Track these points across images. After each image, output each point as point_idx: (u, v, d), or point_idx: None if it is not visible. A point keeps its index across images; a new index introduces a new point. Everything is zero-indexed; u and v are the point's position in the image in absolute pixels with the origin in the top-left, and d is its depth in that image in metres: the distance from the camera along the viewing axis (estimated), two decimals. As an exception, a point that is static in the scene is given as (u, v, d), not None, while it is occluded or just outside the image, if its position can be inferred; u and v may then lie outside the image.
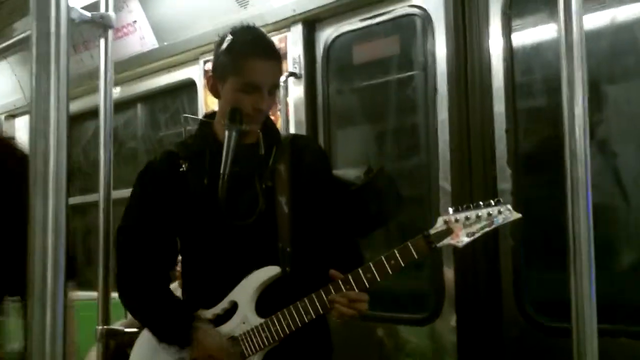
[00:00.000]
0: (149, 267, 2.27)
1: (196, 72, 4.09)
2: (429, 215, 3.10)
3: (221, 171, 2.14)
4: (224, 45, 2.25)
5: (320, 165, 2.38)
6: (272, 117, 3.20)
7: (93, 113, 3.46)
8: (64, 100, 1.06)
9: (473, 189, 2.92)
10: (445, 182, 3.01)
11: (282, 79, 3.43)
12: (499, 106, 2.86)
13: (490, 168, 2.88)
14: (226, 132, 2.17)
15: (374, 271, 2.11)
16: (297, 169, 2.30)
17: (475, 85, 2.90)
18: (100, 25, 2.74)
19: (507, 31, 2.86)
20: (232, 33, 2.27)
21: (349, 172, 2.48)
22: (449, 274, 2.96)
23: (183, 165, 2.27)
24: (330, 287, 2.13)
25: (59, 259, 1.03)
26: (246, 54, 2.20)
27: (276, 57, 2.28)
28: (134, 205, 2.32)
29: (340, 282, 2.12)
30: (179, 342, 2.20)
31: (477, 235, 2.10)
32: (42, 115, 1.04)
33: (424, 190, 3.17)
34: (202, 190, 2.22)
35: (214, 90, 2.30)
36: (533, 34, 2.87)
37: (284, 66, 3.46)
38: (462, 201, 2.81)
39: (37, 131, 1.04)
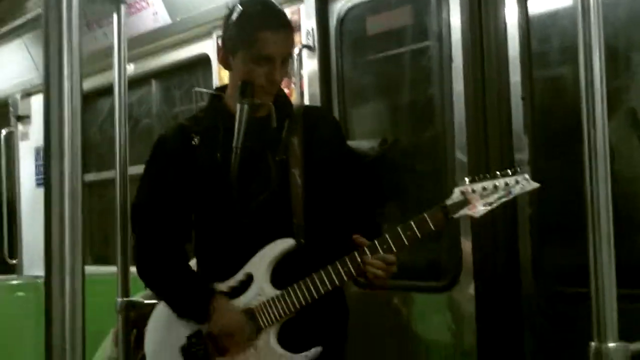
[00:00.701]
0: (166, 243, 2.29)
1: (210, 47, 4.07)
2: (445, 188, 3.09)
3: (233, 145, 2.13)
4: (234, 17, 2.24)
5: (334, 136, 2.38)
6: (287, 91, 3.20)
7: (107, 91, 3.46)
8: (77, 76, 1.06)
9: (489, 159, 2.90)
10: (461, 154, 2.99)
11: (296, 51, 3.41)
12: (515, 75, 2.82)
13: (507, 138, 2.85)
14: (238, 106, 2.16)
15: (390, 242, 2.11)
16: (310, 141, 2.29)
17: (491, 54, 2.86)
18: (113, 1, 2.74)
19: (523, -2, 2.81)
20: (241, 4, 2.25)
21: (362, 143, 2.47)
22: (466, 242, 2.95)
23: (195, 139, 2.26)
24: (347, 259, 2.13)
25: (76, 234, 1.04)
26: (257, 25, 2.19)
27: (288, 27, 2.26)
28: (146, 182, 2.33)
29: (356, 254, 2.12)
30: (197, 317, 2.22)
31: (494, 205, 2.11)
32: (57, 91, 1.05)
33: (439, 162, 3.16)
34: (214, 164, 2.22)
35: (224, 62, 2.29)
36: (549, 1, 2.83)
37: (297, 39, 3.45)
38: (479, 172, 2.80)
39: (52, 107, 1.05)
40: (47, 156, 1.04)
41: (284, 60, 2.21)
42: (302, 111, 2.40)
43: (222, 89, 2.37)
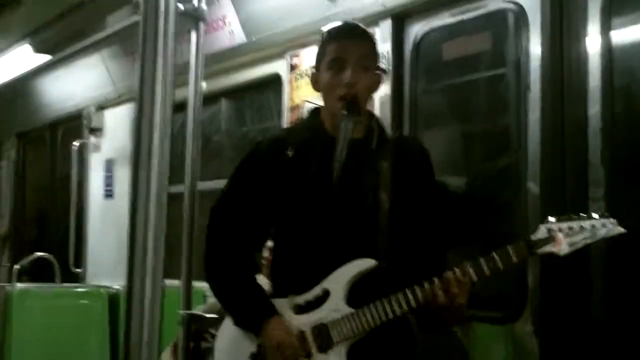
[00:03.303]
0: (238, 250, 2.33)
1: (282, 67, 4.11)
2: (515, 219, 3.03)
3: (335, 160, 2.16)
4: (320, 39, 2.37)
5: (424, 167, 2.40)
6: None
7: (177, 107, 3.50)
8: (170, 85, 1.07)
9: (563, 191, 2.83)
10: (533, 185, 2.92)
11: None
12: (595, 106, 2.75)
13: (583, 170, 2.78)
14: (342, 122, 2.18)
15: (471, 272, 2.11)
16: (400, 168, 2.31)
17: (571, 84, 2.80)
18: (193, 18, 2.78)
19: (606, 29, 2.75)
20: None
21: (451, 179, 2.49)
22: (533, 274, 2.87)
23: (289, 152, 2.29)
24: (425, 285, 2.13)
25: (159, 241, 1.04)
26: (331, 36, 2.32)
27: (361, 35, 2.33)
28: (232, 187, 2.38)
29: (436, 280, 2.12)
30: (251, 329, 2.25)
31: (579, 245, 2.11)
32: (149, 100, 1.05)
33: (510, 192, 3.10)
34: (307, 177, 2.26)
35: (314, 83, 2.36)
36: (634, 32, 2.76)
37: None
38: (551, 204, 2.73)
39: (144, 115, 1.05)
40: (136, 163, 1.04)
41: (359, 66, 2.22)
42: (396, 138, 2.45)
43: (319, 108, 2.41)
